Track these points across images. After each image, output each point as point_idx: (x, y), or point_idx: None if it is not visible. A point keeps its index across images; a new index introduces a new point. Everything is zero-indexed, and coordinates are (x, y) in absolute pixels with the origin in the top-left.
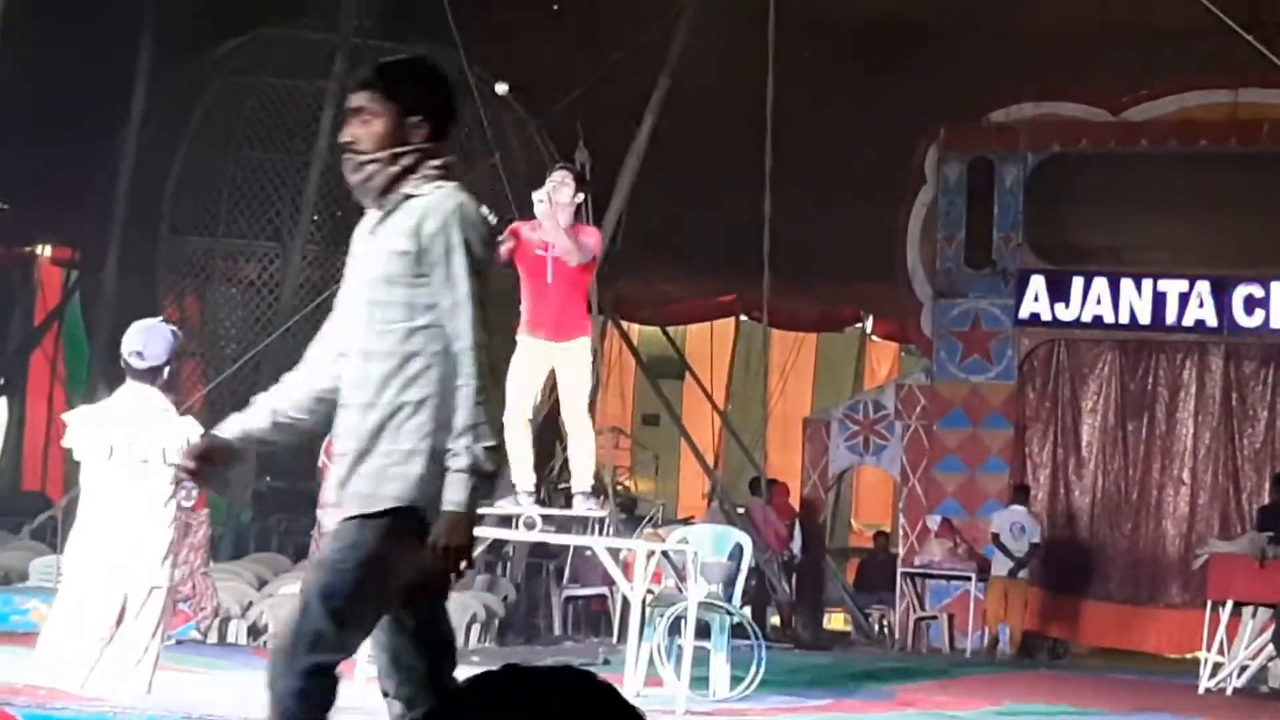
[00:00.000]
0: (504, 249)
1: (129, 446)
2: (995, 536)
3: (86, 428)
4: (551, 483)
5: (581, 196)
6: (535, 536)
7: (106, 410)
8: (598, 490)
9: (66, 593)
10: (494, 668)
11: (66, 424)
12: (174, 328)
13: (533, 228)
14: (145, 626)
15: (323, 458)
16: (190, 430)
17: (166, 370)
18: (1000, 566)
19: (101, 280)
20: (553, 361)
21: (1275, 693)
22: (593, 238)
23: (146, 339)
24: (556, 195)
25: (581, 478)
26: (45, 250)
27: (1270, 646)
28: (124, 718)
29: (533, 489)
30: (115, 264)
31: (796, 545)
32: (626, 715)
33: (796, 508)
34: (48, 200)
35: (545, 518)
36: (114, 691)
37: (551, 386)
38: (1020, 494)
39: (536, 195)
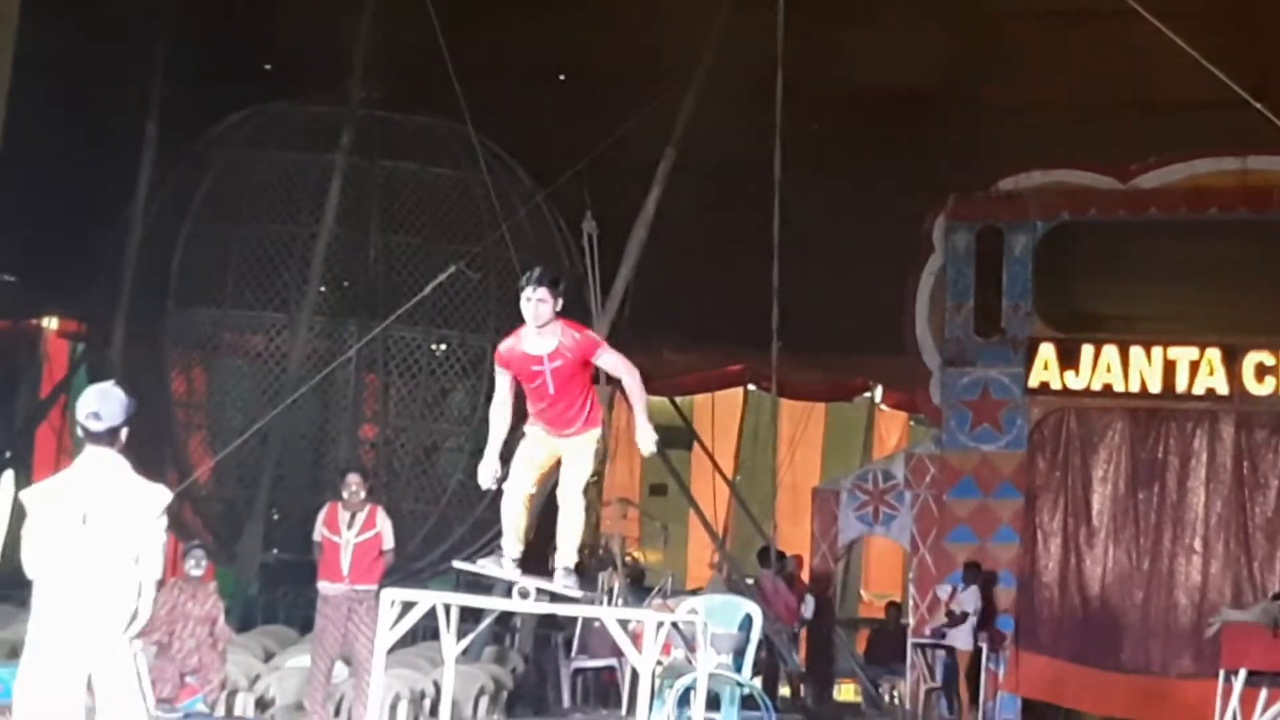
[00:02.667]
0: (505, 384)
1: (102, 513)
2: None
3: (54, 498)
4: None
5: (560, 303)
6: (549, 608)
7: (71, 479)
8: (583, 567)
9: (29, 674)
10: None
11: (25, 501)
12: (126, 397)
13: (517, 340)
14: (125, 700)
15: (321, 530)
16: (160, 494)
17: (123, 435)
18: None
19: (108, 353)
20: (560, 450)
21: None
22: (603, 350)
23: (101, 400)
24: (537, 319)
25: (565, 554)
26: (52, 323)
27: None
28: None
29: (518, 557)
30: (122, 336)
31: (809, 611)
32: None
33: (805, 579)
34: (55, 273)
35: (539, 590)
36: None
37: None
38: (970, 571)
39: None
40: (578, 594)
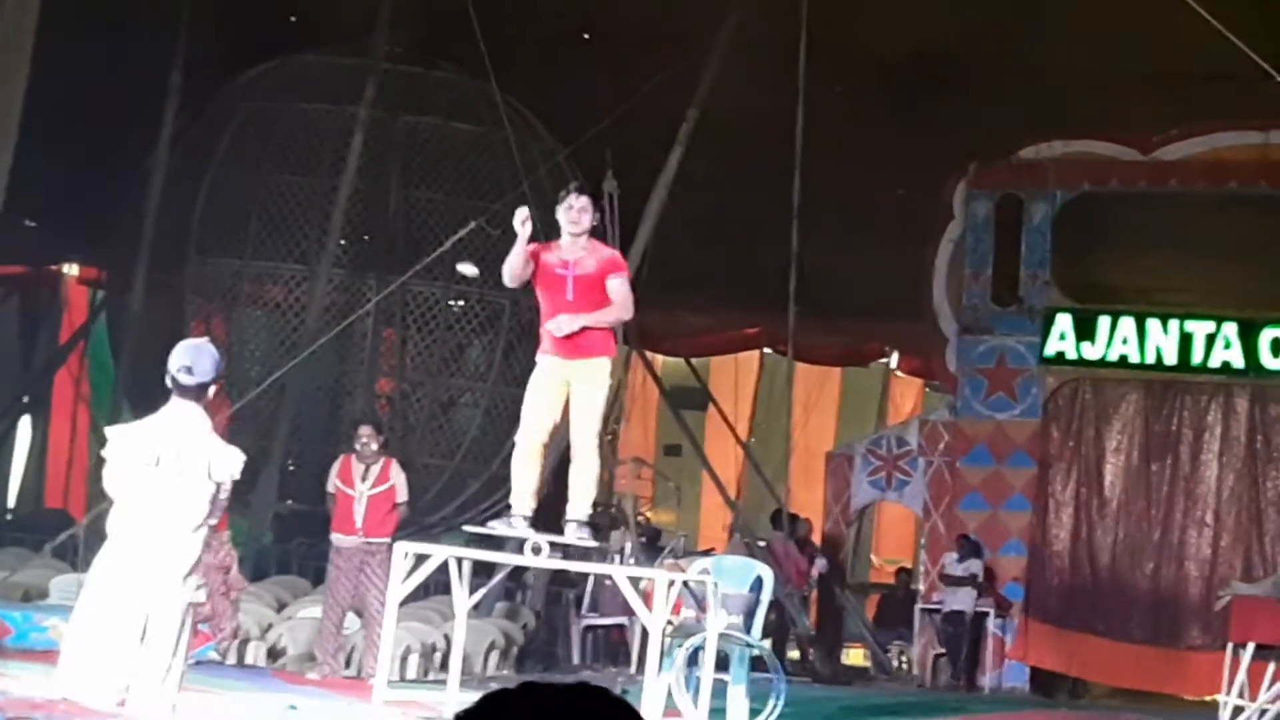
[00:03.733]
0: (530, 267)
1: (175, 459)
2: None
3: (133, 438)
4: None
5: (598, 217)
6: (561, 564)
7: (153, 424)
8: (598, 520)
9: (91, 604)
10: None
11: (109, 436)
12: (217, 351)
13: (548, 248)
14: (168, 644)
15: (335, 482)
16: (234, 458)
17: (211, 391)
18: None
19: (128, 301)
20: (568, 379)
21: None
22: (621, 274)
23: (195, 356)
24: (577, 226)
25: (578, 506)
26: (72, 269)
27: None
28: None
29: (529, 514)
30: (142, 284)
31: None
32: None
33: (817, 542)
34: (76, 220)
35: (553, 545)
36: (137, 709)
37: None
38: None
39: (563, 218)
40: (592, 544)
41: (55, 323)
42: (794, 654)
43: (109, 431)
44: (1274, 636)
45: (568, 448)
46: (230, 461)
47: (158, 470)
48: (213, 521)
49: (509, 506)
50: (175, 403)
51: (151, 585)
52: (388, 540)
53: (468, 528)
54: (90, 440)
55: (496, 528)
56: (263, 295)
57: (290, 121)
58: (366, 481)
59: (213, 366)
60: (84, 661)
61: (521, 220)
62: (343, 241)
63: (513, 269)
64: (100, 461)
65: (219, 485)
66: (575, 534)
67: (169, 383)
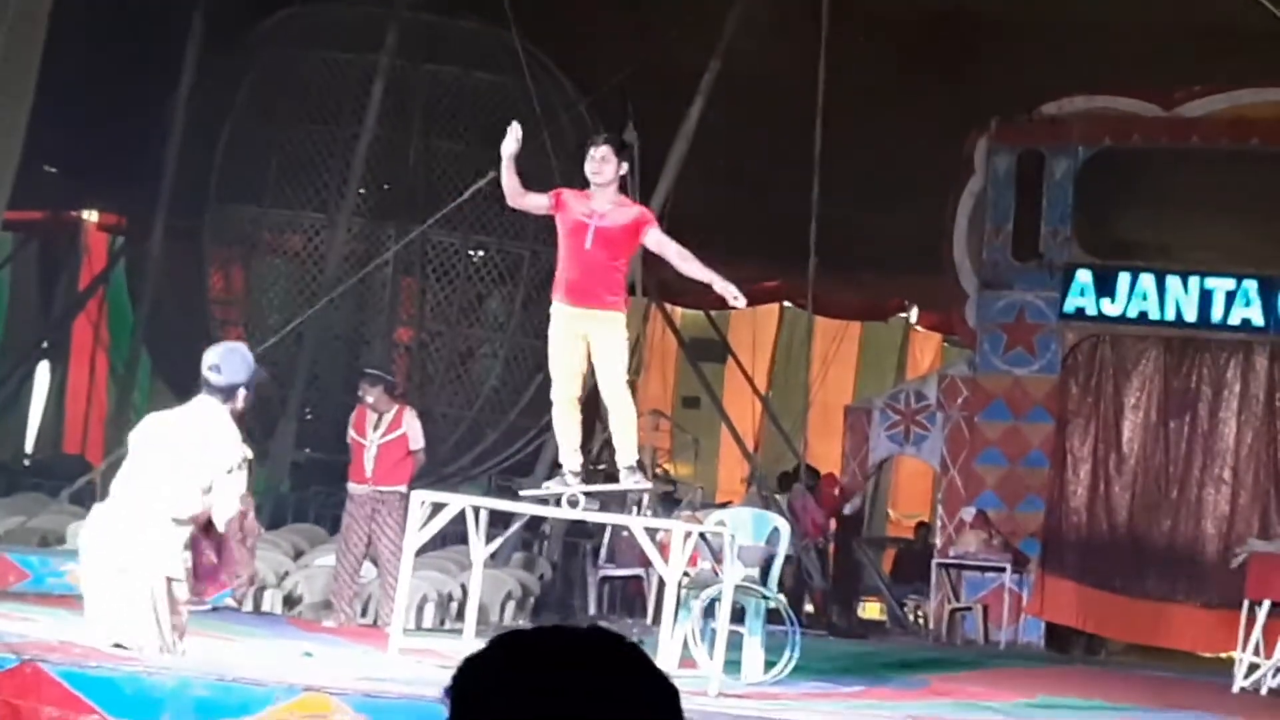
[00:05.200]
0: (546, 199)
1: (184, 449)
2: None
3: (150, 424)
4: (592, 461)
5: (625, 168)
6: (576, 515)
7: (173, 413)
8: (642, 464)
9: (88, 562)
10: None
11: (140, 424)
12: (254, 361)
13: (577, 196)
14: (148, 625)
15: (350, 432)
16: (245, 452)
17: (241, 395)
18: None
19: (147, 247)
20: (586, 332)
21: None
22: (654, 227)
23: (225, 357)
24: (600, 176)
25: (625, 452)
26: (92, 216)
27: None
28: (157, 677)
29: (579, 469)
30: (161, 231)
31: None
32: (652, 675)
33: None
34: (96, 166)
35: (588, 495)
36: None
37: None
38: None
39: (587, 169)
40: (647, 486)
41: (75, 269)
42: (809, 608)
43: (145, 421)
44: None
45: (588, 396)
46: (233, 454)
47: (162, 456)
48: (225, 509)
49: (559, 465)
50: (201, 398)
51: (139, 561)
52: (400, 488)
53: (524, 492)
54: (109, 386)
55: (552, 487)
56: (282, 243)
57: (310, 69)
58: (378, 430)
59: (244, 369)
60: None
61: (514, 138)
62: (362, 190)
63: (508, 190)
64: (122, 406)
65: (226, 471)
66: (630, 480)
67: (201, 381)
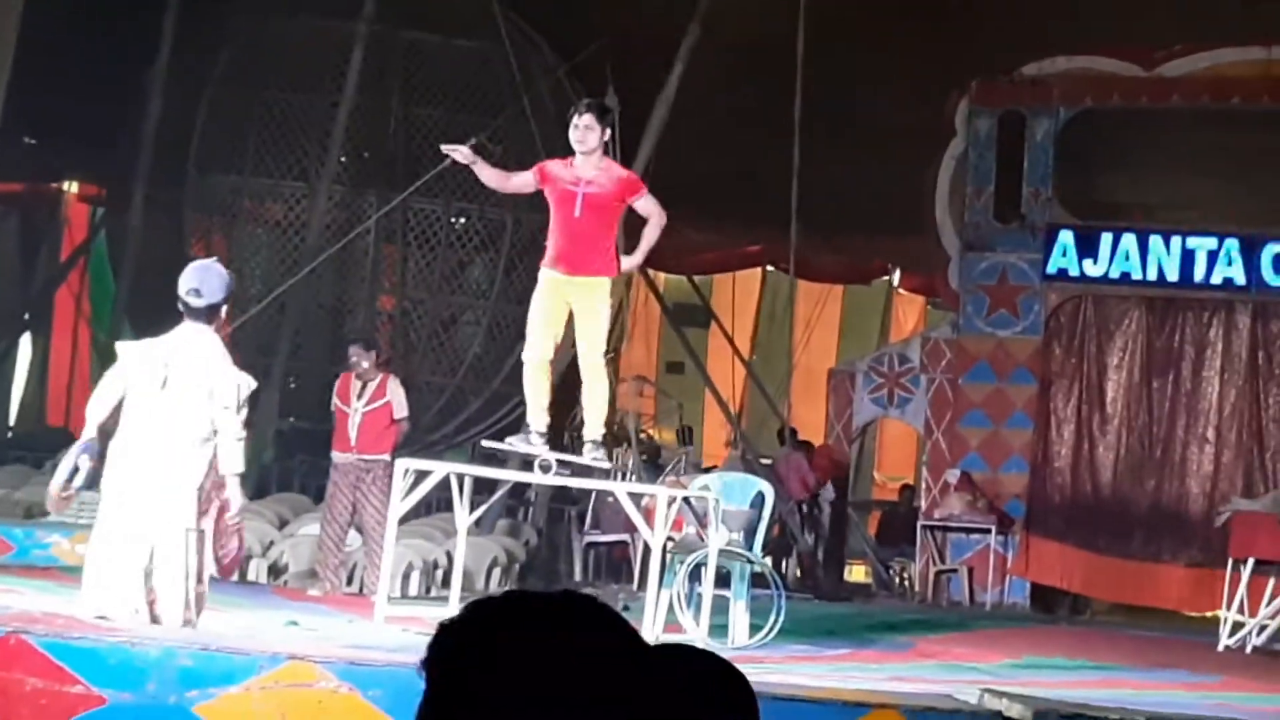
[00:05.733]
0: (530, 176)
1: (178, 382)
2: None
3: (140, 357)
4: (575, 430)
5: (608, 133)
6: (560, 481)
7: (162, 344)
8: (608, 441)
9: (103, 525)
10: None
11: (119, 351)
12: (227, 272)
13: (563, 165)
14: (179, 566)
15: (334, 401)
16: (245, 381)
17: (222, 312)
18: None
19: (128, 218)
20: (569, 298)
21: None
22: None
23: (203, 277)
24: (584, 145)
25: (593, 426)
26: (72, 187)
27: None
28: (141, 647)
29: (545, 430)
30: (141, 201)
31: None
32: (623, 632)
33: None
34: (75, 137)
35: (560, 463)
36: (151, 626)
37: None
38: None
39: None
40: (607, 466)
41: (56, 240)
42: (796, 570)
43: (120, 346)
44: (1274, 552)
45: (568, 366)
46: (233, 385)
47: (163, 392)
48: (234, 463)
49: (524, 422)
50: (185, 325)
51: (157, 508)
52: (383, 457)
53: (485, 442)
54: (91, 357)
55: (515, 444)
56: (263, 212)
57: (289, 37)
58: (362, 398)
59: (222, 287)
60: (102, 580)
61: (461, 155)
62: (343, 158)
63: (490, 181)
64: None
65: (225, 408)
66: (591, 454)
67: (180, 306)
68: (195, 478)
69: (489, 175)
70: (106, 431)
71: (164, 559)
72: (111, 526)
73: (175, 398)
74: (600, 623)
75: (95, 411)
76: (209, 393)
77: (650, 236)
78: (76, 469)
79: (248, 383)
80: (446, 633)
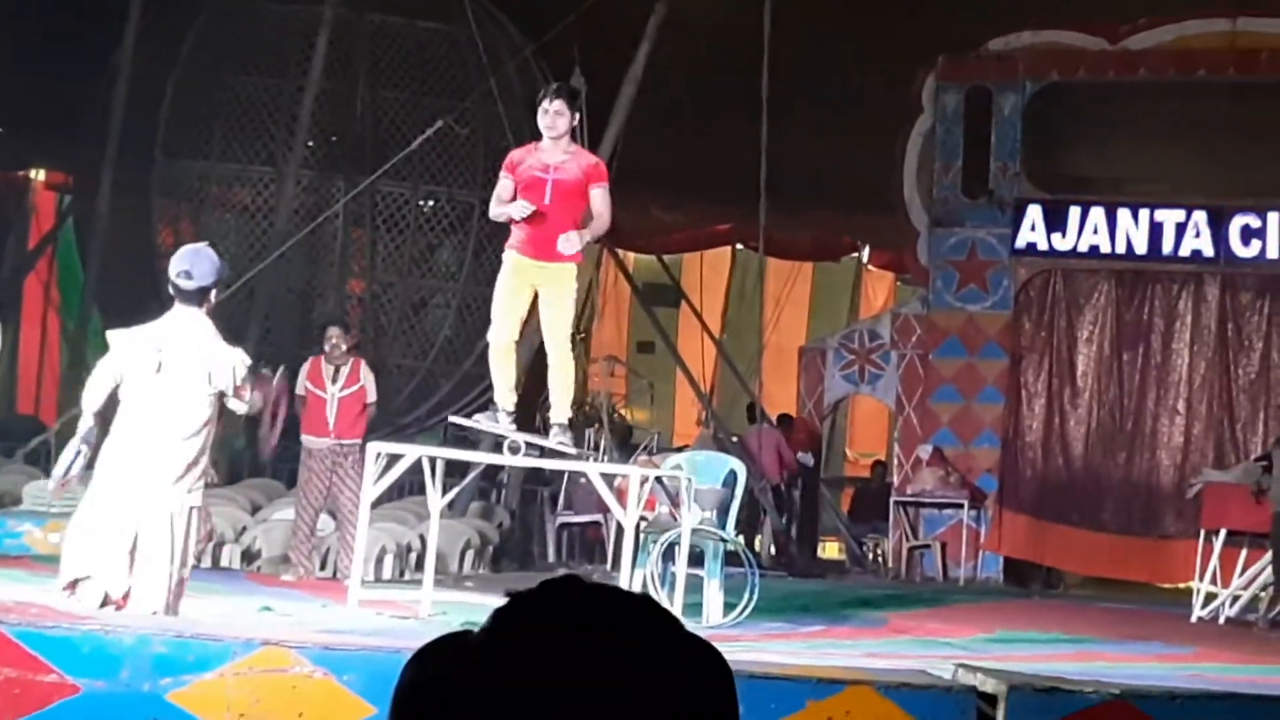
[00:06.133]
0: (508, 180)
1: (175, 366)
2: None
3: (135, 344)
4: (546, 412)
5: (577, 117)
6: (532, 462)
7: (155, 329)
8: (578, 423)
9: (92, 505)
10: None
11: (111, 340)
12: (216, 255)
13: (529, 151)
14: (163, 549)
15: (305, 385)
16: (238, 359)
17: (213, 295)
18: None
19: (95, 204)
20: (535, 282)
21: (1273, 623)
22: (604, 185)
23: (193, 260)
24: (554, 130)
25: (559, 409)
26: (39, 175)
27: (1264, 575)
28: (114, 635)
29: (512, 410)
30: (109, 188)
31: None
32: (695, 645)
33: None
34: (42, 125)
35: (529, 445)
36: (127, 611)
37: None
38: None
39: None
40: (572, 450)
41: (23, 228)
42: (772, 548)
43: (111, 335)
44: (1245, 523)
45: (539, 346)
46: (229, 367)
47: (159, 376)
48: (248, 412)
49: (492, 402)
50: (177, 309)
51: (145, 491)
52: (359, 441)
53: (453, 418)
54: (61, 345)
55: (481, 422)
56: (231, 198)
57: (255, 21)
58: (337, 383)
59: (212, 270)
60: (83, 557)
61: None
62: (310, 143)
63: (499, 217)
64: (74, 365)
65: (221, 392)
66: (557, 438)
67: (170, 290)
68: (188, 462)
69: (498, 213)
70: (106, 419)
71: (150, 543)
72: (102, 508)
73: (171, 382)
74: (668, 626)
75: (90, 400)
76: (206, 376)
77: (591, 233)
78: (78, 456)
79: (243, 360)
80: (518, 607)
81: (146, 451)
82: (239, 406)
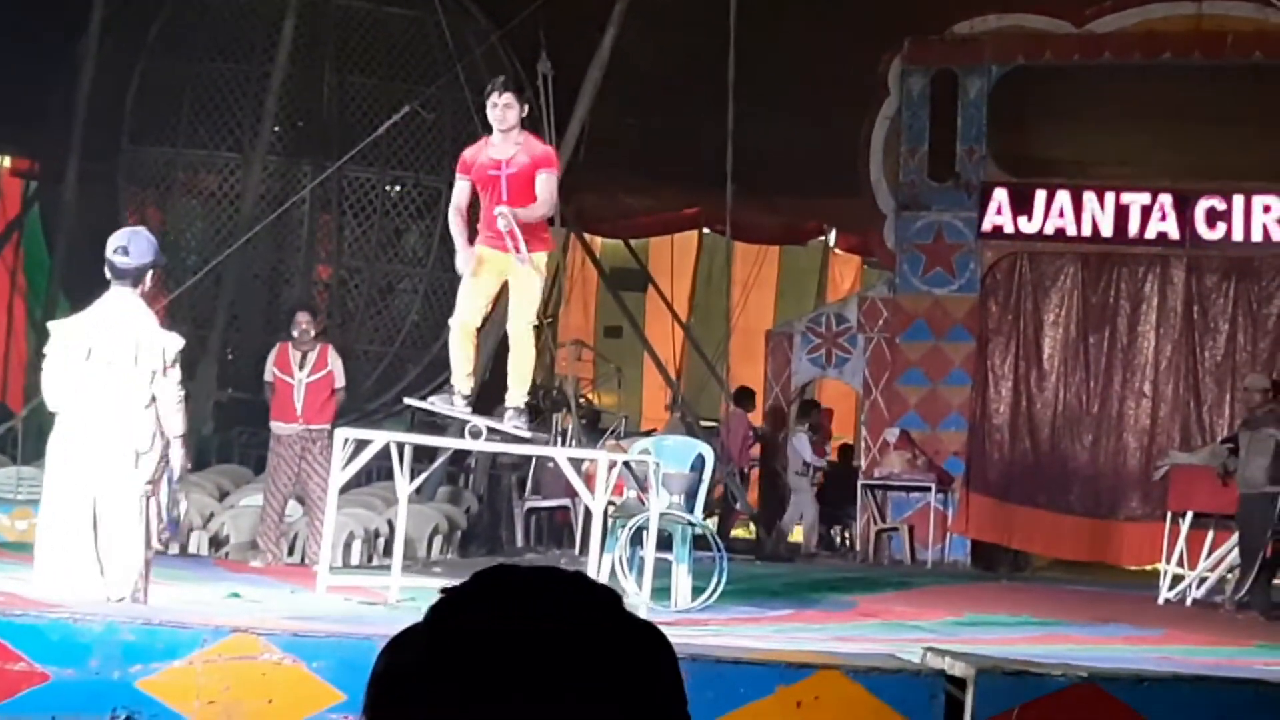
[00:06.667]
0: (464, 182)
1: (106, 349)
2: None
3: (68, 332)
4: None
5: (526, 109)
6: (500, 447)
7: (87, 315)
8: (545, 406)
9: (48, 503)
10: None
11: (51, 331)
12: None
13: (480, 148)
14: (122, 533)
15: (272, 370)
16: (168, 340)
17: (148, 278)
18: None
19: (61, 191)
20: (506, 273)
21: (1240, 605)
22: (549, 170)
23: (131, 238)
24: (503, 123)
25: (515, 394)
26: (4, 161)
27: (1231, 557)
28: (83, 623)
29: (468, 394)
30: (75, 175)
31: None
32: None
33: (758, 421)
34: (7, 111)
35: (491, 430)
36: (101, 600)
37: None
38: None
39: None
40: (526, 434)
41: None
42: (743, 532)
43: (51, 326)
44: (1212, 505)
45: (504, 333)
46: (159, 348)
47: (89, 363)
48: (174, 424)
49: (450, 385)
50: (111, 290)
51: (96, 476)
52: (327, 427)
53: (408, 399)
54: (28, 333)
55: (437, 404)
56: (197, 184)
57: (221, 7)
58: (304, 369)
59: (149, 249)
60: (51, 557)
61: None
62: (276, 128)
63: (461, 221)
64: (40, 353)
65: (153, 372)
66: (512, 422)
67: (107, 270)
68: (137, 444)
69: (459, 233)
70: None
71: (111, 529)
72: (57, 504)
73: (103, 366)
74: (611, 608)
75: (51, 395)
76: (133, 358)
77: (526, 214)
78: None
79: (174, 343)
80: (453, 599)
81: (89, 440)
82: (164, 393)
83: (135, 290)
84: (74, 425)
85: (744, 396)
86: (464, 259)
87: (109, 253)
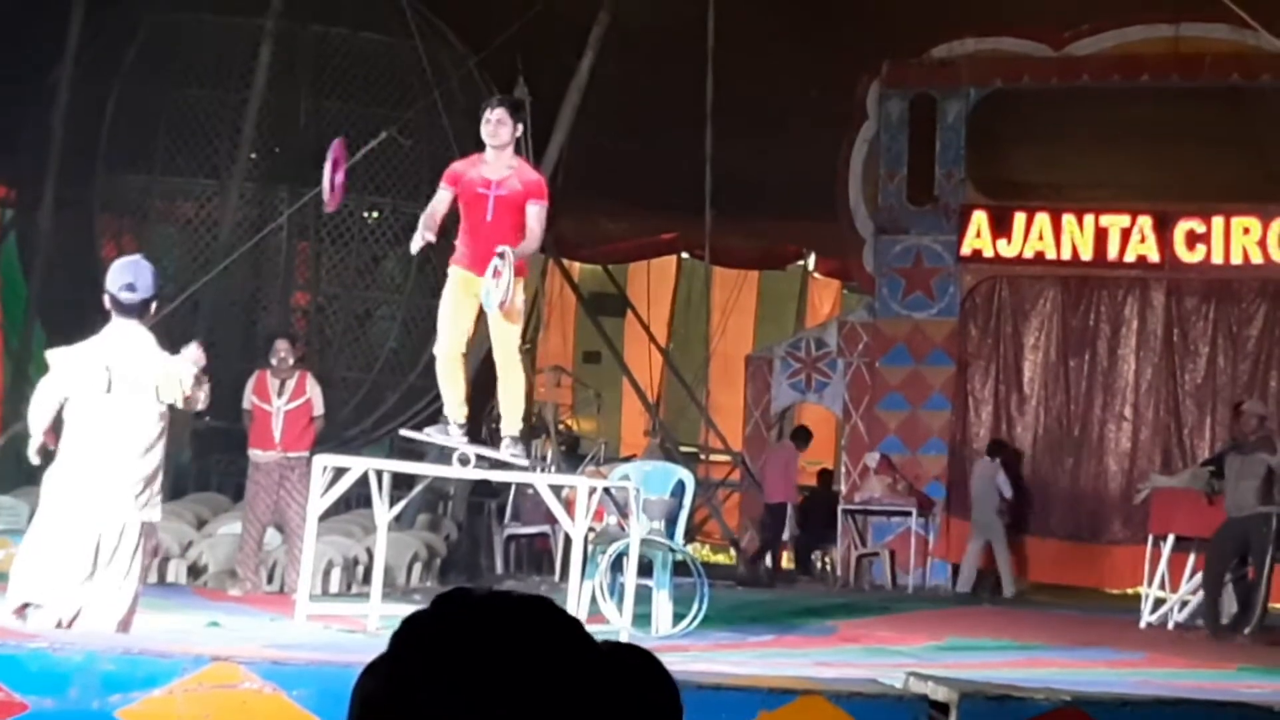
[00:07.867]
0: (445, 192)
1: (125, 381)
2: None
3: (79, 361)
4: (493, 423)
5: (520, 128)
6: (479, 474)
7: (98, 345)
8: (526, 436)
9: (42, 528)
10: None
11: (51, 360)
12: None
13: (472, 164)
14: (122, 566)
15: (251, 398)
16: (184, 369)
17: (151, 309)
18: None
19: (37, 218)
20: (480, 295)
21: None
22: (541, 202)
23: (136, 272)
24: (495, 139)
25: (510, 422)
26: None
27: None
28: (63, 653)
29: (464, 422)
30: (51, 202)
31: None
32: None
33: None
34: None
35: (479, 456)
36: (88, 630)
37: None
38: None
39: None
40: (524, 462)
41: None
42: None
43: (51, 355)
44: (1193, 528)
45: (485, 356)
46: (175, 379)
47: (109, 395)
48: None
49: (444, 416)
50: (118, 323)
51: (102, 508)
52: (306, 454)
53: (404, 431)
54: (5, 361)
55: (434, 435)
56: (174, 211)
57: (196, 33)
58: (283, 396)
59: (153, 282)
60: (35, 583)
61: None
62: (253, 155)
63: (425, 237)
64: (17, 382)
65: (171, 405)
66: (509, 450)
67: (108, 303)
68: (141, 478)
69: (423, 234)
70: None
71: (109, 560)
72: (53, 531)
73: (122, 400)
74: (562, 626)
75: (37, 421)
76: (154, 391)
77: (519, 251)
78: None
79: (188, 368)
80: (412, 628)
81: (100, 471)
82: (196, 399)
83: (142, 322)
84: (87, 457)
85: (801, 435)
86: (418, 240)
87: (114, 288)
